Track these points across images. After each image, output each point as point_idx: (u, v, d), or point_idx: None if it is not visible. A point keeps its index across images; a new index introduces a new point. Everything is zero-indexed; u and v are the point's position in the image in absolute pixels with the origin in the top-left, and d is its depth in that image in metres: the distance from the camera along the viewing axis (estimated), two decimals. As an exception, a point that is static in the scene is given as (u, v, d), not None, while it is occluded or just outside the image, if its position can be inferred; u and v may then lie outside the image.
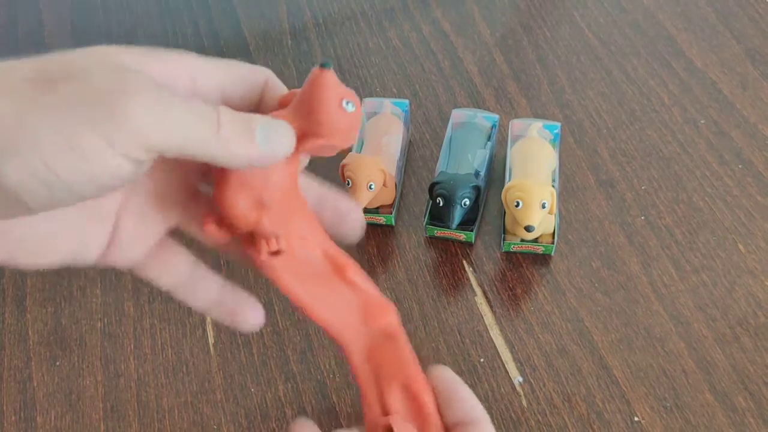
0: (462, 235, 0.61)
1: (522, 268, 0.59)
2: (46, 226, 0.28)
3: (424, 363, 0.31)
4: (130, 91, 0.24)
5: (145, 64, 0.27)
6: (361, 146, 0.64)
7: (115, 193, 0.30)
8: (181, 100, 0.26)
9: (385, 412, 0.29)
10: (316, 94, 0.28)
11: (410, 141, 0.68)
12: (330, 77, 0.28)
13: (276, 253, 0.30)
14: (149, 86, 0.25)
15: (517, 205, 0.55)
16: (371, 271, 0.60)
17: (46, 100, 0.24)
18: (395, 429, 0.28)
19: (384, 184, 0.59)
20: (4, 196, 0.24)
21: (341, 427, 0.52)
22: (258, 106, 0.31)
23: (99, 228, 0.30)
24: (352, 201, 0.34)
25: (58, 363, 0.56)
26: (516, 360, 0.54)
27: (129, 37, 0.80)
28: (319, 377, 0.54)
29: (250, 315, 0.33)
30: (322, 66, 0.28)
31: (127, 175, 0.25)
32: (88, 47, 0.26)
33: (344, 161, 0.60)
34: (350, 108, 0.28)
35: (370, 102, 0.67)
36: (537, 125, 0.63)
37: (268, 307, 0.58)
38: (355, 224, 0.33)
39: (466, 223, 0.60)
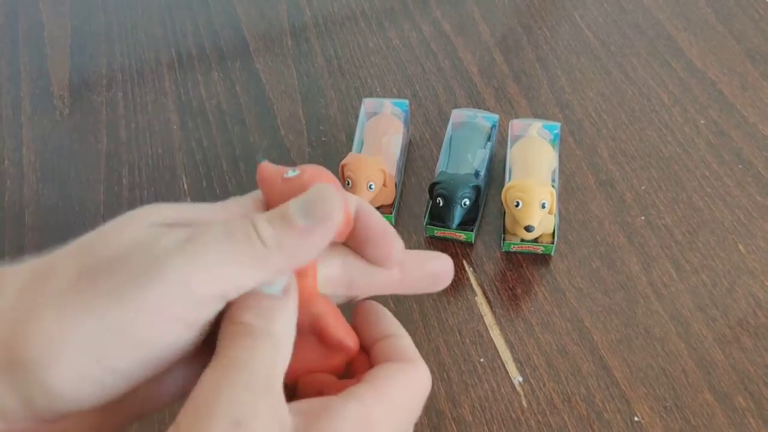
0: (462, 235, 0.61)
1: (522, 268, 0.59)
2: None
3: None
4: (168, 255, 0.23)
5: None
6: (361, 146, 0.64)
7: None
8: (214, 243, 0.24)
9: None
10: (262, 186, 0.28)
11: (410, 141, 0.68)
12: (265, 168, 0.28)
13: None
14: (181, 247, 0.24)
15: (517, 205, 0.55)
16: (371, 271, 0.60)
17: (87, 296, 0.23)
18: None
19: (384, 184, 0.59)
20: (53, 405, 0.23)
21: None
22: None
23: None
24: (445, 260, 0.31)
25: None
26: (516, 360, 0.55)
27: (129, 37, 0.80)
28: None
29: None
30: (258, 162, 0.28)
31: (186, 339, 0.24)
32: (126, 218, 0.25)
33: (344, 161, 0.60)
34: (291, 173, 0.27)
35: (370, 102, 0.67)
36: (537, 125, 0.63)
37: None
38: (445, 280, 0.31)
39: (466, 223, 0.60)
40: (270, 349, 0.25)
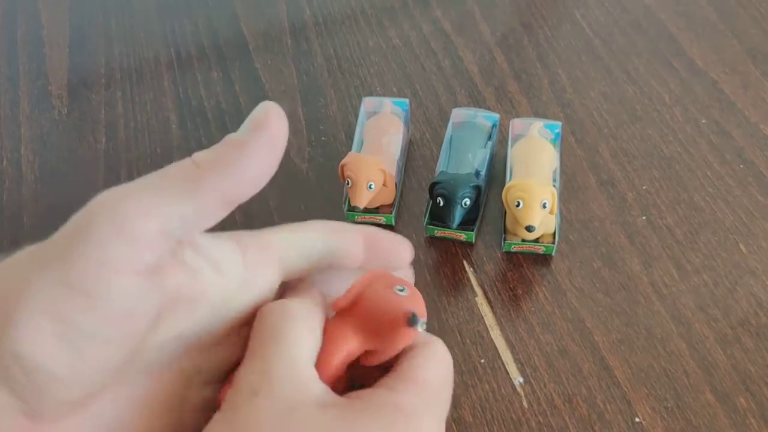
0: (462, 235, 0.60)
1: (523, 269, 0.59)
2: None
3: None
4: (101, 205, 0.24)
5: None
6: (361, 146, 0.64)
7: None
8: (147, 179, 0.25)
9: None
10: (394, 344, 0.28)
11: (410, 140, 0.68)
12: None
13: None
14: (112, 193, 0.24)
15: (518, 205, 0.55)
16: (371, 271, 0.60)
17: (39, 261, 0.23)
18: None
19: (384, 184, 0.59)
20: (33, 377, 0.22)
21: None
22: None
23: None
24: (398, 237, 0.32)
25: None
26: (517, 361, 0.54)
27: (127, 37, 0.80)
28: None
29: None
30: (411, 323, 0.27)
31: (145, 293, 0.24)
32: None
33: (344, 161, 0.59)
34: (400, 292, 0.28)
35: (370, 101, 0.66)
36: (538, 125, 0.63)
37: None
38: (404, 258, 0.32)
39: (467, 223, 0.60)
40: (295, 331, 0.25)
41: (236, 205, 0.25)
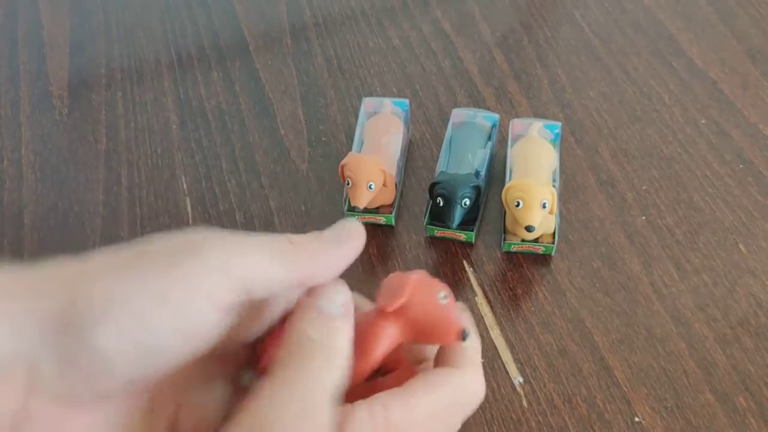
0: (462, 235, 0.60)
1: (522, 269, 0.59)
2: None
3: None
4: (207, 241, 0.26)
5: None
6: (361, 146, 0.64)
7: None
8: (250, 237, 0.27)
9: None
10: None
11: (410, 141, 0.68)
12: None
13: None
14: (221, 236, 0.27)
15: (518, 205, 0.55)
16: (371, 271, 0.60)
17: (134, 270, 0.25)
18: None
19: (384, 184, 0.59)
20: (95, 367, 0.25)
21: None
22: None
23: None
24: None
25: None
26: (516, 360, 0.54)
27: (128, 37, 0.80)
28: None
29: None
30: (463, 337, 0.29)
31: (214, 324, 0.26)
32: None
33: (344, 161, 0.59)
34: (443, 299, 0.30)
35: (370, 102, 0.66)
36: (537, 125, 0.63)
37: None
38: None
39: (467, 223, 0.60)
40: (327, 365, 0.26)
41: (304, 288, 0.29)
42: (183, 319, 0.25)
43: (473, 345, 0.30)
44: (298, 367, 0.26)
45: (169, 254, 0.26)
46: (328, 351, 0.27)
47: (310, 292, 0.29)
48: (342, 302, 0.29)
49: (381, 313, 0.30)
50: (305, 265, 0.28)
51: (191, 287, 0.25)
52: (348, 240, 0.30)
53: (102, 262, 0.26)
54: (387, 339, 0.29)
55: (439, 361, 0.30)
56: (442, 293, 0.30)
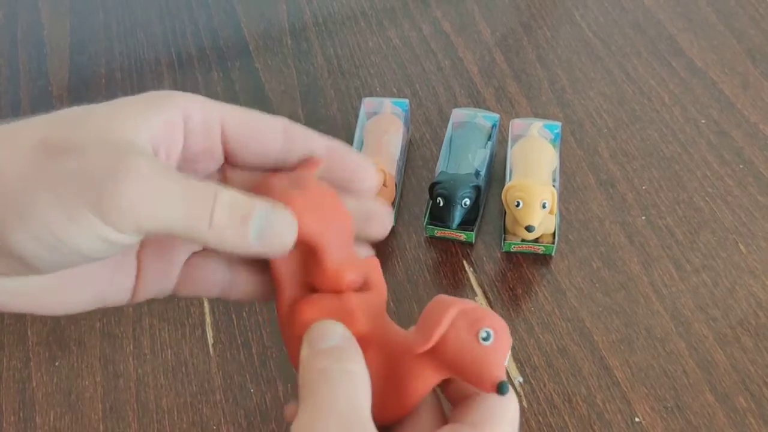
0: (462, 235, 0.60)
1: (522, 268, 0.59)
2: (67, 276, 0.28)
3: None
4: (120, 174, 0.24)
5: (143, 120, 0.27)
6: (361, 146, 0.64)
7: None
8: (176, 182, 0.25)
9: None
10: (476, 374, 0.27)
11: (410, 141, 0.68)
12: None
13: None
14: (141, 167, 0.25)
15: (518, 205, 0.55)
16: (371, 271, 0.60)
17: (48, 174, 0.24)
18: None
19: (384, 184, 0.59)
20: (14, 262, 0.25)
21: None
22: (279, 157, 0.31)
23: (123, 271, 0.30)
24: (382, 203, 0.32)
25: (57, 363, 0.56)
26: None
27: (128, 37, 0.80)
28: (318, 377, 0.54)
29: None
30: (499, 391, 0.26)
31: (124, 245, 0.26)
32: (90, 107, 0.27)
33: (344, 161, 0.59)
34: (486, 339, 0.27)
35: (370, 102, 0.66)
36: (537, 125, 0.63)
37: (269, 306, 0.58)
38: (383, 226, 0.32)
39: (467, 223, 0.60)
40: (351, 387, 0.26)
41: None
42: (91, 238, 0.25)
43: (504, 403, 0.28)
44: (324, 396, 0.25)
45: (87, 174, 0.25)
46: (347, 375, 0.26)
47: (305, 339, 0.28)
48: (339, 335, 0.27)
49: (415, 351, 0.27)
50: (210, 244, 0.26)
51: (98, 219, 0.25)
52: (267, 252, 0.27)
53: (27, 144, 0.25)
54: (421, 383, 0.27)
55: (455, 411, 0.28)
56: (484, 331, 0.26)
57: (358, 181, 0.31)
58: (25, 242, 0.24)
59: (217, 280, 0.31)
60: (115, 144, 0.25)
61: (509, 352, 0.27)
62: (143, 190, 0.25)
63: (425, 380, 0.27)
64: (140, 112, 0.27)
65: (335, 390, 0.25)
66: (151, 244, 0.30)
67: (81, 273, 0.28)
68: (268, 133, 0.30)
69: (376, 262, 0.30)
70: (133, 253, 0.30)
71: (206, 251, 0.31)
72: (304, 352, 0.27)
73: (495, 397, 0.27)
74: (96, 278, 0.29)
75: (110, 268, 0.29)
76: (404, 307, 0.58)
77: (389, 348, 0.28)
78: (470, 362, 0.26)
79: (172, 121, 0.28)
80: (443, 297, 0.28)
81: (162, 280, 0.31)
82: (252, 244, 0.26)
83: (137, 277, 0.30)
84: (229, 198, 0.26)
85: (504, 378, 0.26)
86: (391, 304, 0.58)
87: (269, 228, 0.26)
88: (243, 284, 0.32)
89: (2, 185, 0.24)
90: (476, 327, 0.26)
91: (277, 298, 0.30)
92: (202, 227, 0.25)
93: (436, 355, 0.27)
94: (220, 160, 0.30)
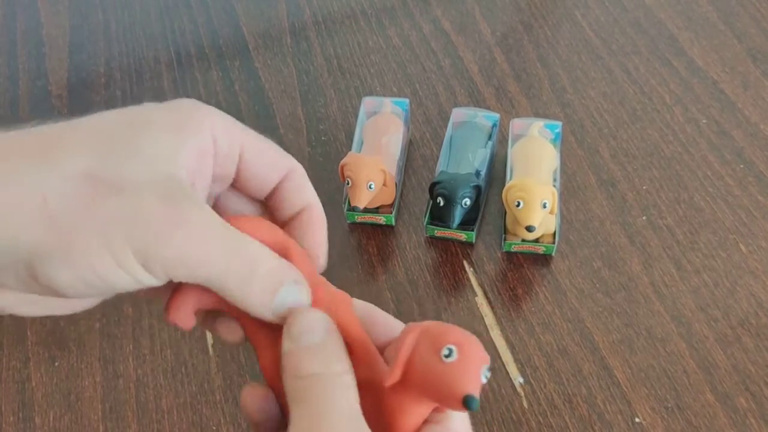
0: (462, 235, 0.60)
1: (523, 269, 0.59)
2: None
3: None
4: (173, 228, 0.25)
5: (182, 147, 0.27)
6: (361, 145, 0.64)
7: None
8: (222, 240, 0.26)
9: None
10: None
11: (410, 140, 0.68)
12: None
13: None
14: (193, 221, 0.25)
15: (518, 205, 0.55)
16: (371, 271, 0.60)
17: (99, 215, 0.24)
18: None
19: (384, 184, 0.59)
20: (48, 290, 0.25)
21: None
22: (272, 192, 0.31)
23: None
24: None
25: (56, 363, 0.56)
26: (517, 361, 0.54)
27: (127, 36, 0.79)
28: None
29: (229, 332, 0.31)
30: (467, 406, 0.25)
31: (154, 285, 0.26)
32: (129, 122, 0.27)
33: (344, 161, 0.59)
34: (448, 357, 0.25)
35: (370, 101, 0.66)
36: (538, 124, 0.63)
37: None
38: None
39: (467, 223, 0.60)
40: (341, 387, 0.26)
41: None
42: (131, 281, 0.25)
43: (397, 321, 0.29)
44: (315, 403, 0.25)
45: (139, 217, 0.25)
46: (338, 378, 0.26)
47: (286, 331, 0.28)
48: (322, 329, 0.27)
49: (385, 385, 0.26)
50: (243, 304, 0.27)
51: (141, 267, 0.25)
52: (282, 309, 0.27)
53: (56, 175, 0.25)
54: (407, 418, 0.26)
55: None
56: (446, 348, 0.25)
57: (314, 257, 0.31)
58: (68, 279, 0.24)
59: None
60: (165, 185, 0.25)
61: (486, 366, 0.25)
62: (192, 247, 0.25)
63: (410, 414, 0.26)
64: (179, 138, 0.27)
65: (331, 396, 0.25)
66: None
67: None
68: (275, 170, 0.30)
69: (346, 299, 0.29)
70: None
71: None
72: (287, 345, 0.27)
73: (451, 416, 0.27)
74: None
75: None
76: (404, 306, 0.58)
77: (376, 388, 0.27)
78: (436, 383, 0.25)
79: (204, 149, 0.28)
80: (411, 324, 0.26)
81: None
82: (270, 312, 0.27)
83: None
84: (268, 268, 0.27)
85: (471, 392, 0.24)
86: (391, 304, 0.58)
87: (290, 302, 0.27)
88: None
89: (50, 218, 0.24)
90: (437, 345, 0.25)
91: (258, 353, 0.29)
92: (236, 290, 0.26)
93: (408, 383, 0.25)
94: (228, 183, 0.31)
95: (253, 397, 0.28)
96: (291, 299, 0.27)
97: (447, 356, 0.25)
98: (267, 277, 0.27)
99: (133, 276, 0.25)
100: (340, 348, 0.27)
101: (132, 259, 0.24)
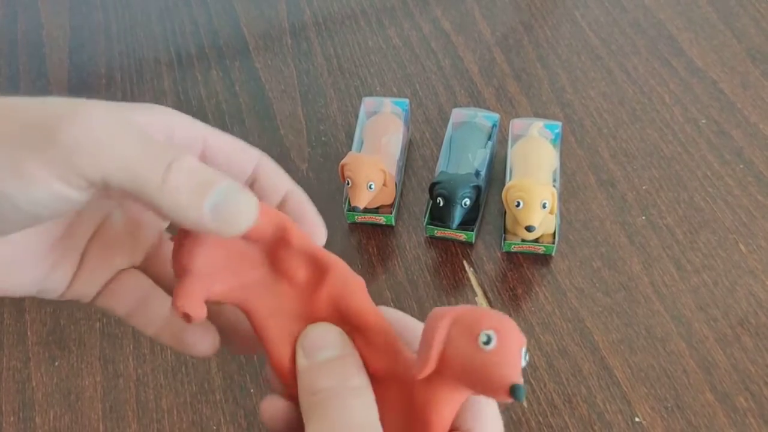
0: (462, 235, 0.60)
1: (523, 269, 0.59)
2: (9, 253, 0.27)
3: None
4: (75, 116, 0.23)
5: (129, 113, 0.26)
6: (361, 146, 0.64)
7: (86, 225, 0.29)
8: (136, 133, 0.24)
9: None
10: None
11: (410, 140, 0.68)
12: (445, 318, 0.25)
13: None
14: (96, 111, 0.23)
15: (518, 205, 0.55)
16: (371, 271, 0.60)
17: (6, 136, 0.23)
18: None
19: (384, 184, 0.59)
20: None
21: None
22: (251, 186, 0.29)
23: (67, 260, 0.29)
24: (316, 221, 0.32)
25: (57, 363, 0.56)
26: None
27: (127, 37, 0.80)
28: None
29: (201, 340, 0.29)
30: (514, 396, 0.23)
31: (74, 201, 0.24)
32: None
33: (344, 161, 0.59)
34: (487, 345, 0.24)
35: (370, 101, 0.66)
36: (538, 125, 0.63)
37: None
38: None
39: (467, 223, 0.60)
40: (359, 401, 0.25)
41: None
42: (37, 192, 0.23)
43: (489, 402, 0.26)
44: (332, 418, 0.25)
45: (39, 120, 0.23)
46: (355, 392, 0.25)
47: (299, 346, 0.27)
48: (336, 344, 0.26)
49: (417, 377, 0.25)
50: (156, 205, 0.24)
51: (44, 169, 0.23)
52: (223, 232, 0.25)
53: None
54: (441, 408, 0.24)
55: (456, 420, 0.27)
56: (484, 335, 0.23)
57: (316, 235, 0.30)
58: None
59: (130, 300, 0.30)
60: (75, 99, 0.24)
61: (523, 349, 0.24)
62: (95, 134, 0.23)
63: (446, 403, 0.25)
64: (127, 111, 0.26)
65: (349, 410, 0.25)
66: (103, 239, 0.30)
67: (26, 255, 0.28)
68: (244, 161, 0.29)
69: (360, 283, 0.28)
70: (79, 249, 0.30)
71: (139, 269, 0.31)
72: (301, 362, 0.26)
73: (482, 401, 0.26)
74: (39, 263, 0.28)
75: (55, 257, 0.29)
76: (404, 306, 0.58)
77: (403, 380, 0.26)
78: (477, 373, 0.23)
79: (153, 126, 0.27)
80: (438, 309, 0.25)
81: (94, 280, 0.30)
82: (206, 214, 0.24)
83: (75, 274, 0.30)
84: (191, 164, 0.24)
85: (517, 380, 0.23)
86: (391, 304, 0.58)
87: (229, 204, 0.24)
88: (152, 314, 0.30)
89: None
90: (474, 332, 0.23)
91: (267, 347, 0.28)
92: (154, 183, 0.23)
93: (443, 373, 0.24)
94: None
95: (274, 410, 0.27)
96: (231, 203, 0.24)
97: (486, 343, 0.23)
98: (192, 174, 0.24)
99: (38, 185, 0.23)
100: (356, 362, 0.26)
101: (31, 164, 0.22)
